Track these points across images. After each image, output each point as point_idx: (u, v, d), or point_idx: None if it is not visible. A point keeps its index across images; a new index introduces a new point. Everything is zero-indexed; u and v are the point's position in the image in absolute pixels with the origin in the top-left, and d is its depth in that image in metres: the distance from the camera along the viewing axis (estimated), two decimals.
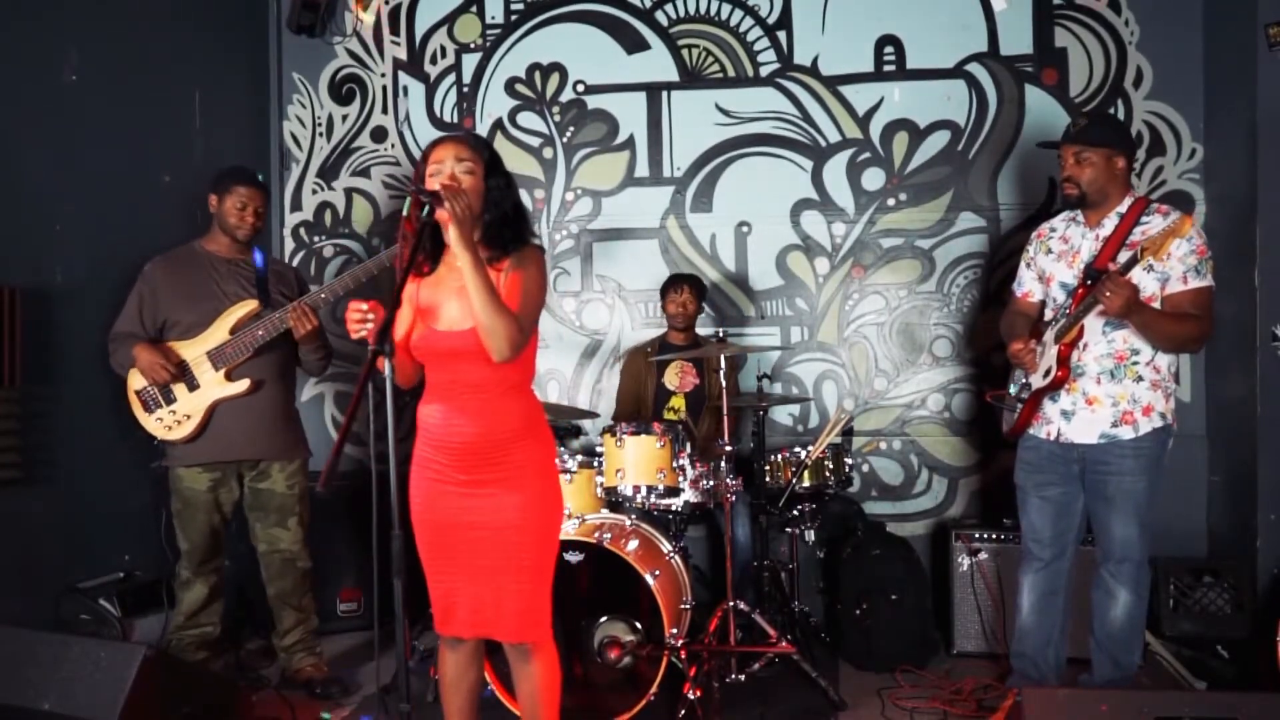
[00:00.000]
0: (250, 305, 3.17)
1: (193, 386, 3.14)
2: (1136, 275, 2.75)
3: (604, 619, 3.08)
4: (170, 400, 3.13)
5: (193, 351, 3.15)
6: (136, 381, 3.15)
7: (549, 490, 2.36)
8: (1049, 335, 2.99)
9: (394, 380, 2.01)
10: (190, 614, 3.26)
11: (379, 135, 4.61)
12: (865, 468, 4.30)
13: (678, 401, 4.09)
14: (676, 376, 4.09)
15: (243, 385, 3.14)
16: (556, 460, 2.44)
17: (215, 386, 3.14)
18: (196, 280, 3.20)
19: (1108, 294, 2.70)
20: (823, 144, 4.33)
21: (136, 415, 3.17)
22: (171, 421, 3.14)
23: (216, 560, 3.29)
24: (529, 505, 2.29)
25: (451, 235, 2.11)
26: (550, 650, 2.38)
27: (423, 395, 2.35)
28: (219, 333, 3.14)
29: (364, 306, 2.10)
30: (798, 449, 3.66)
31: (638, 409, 4.11)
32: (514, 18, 4.52)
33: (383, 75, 4.60)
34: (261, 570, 3.37)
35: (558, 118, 4.50)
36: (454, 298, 2.26)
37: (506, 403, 2.27)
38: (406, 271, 2.13)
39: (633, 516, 3.38)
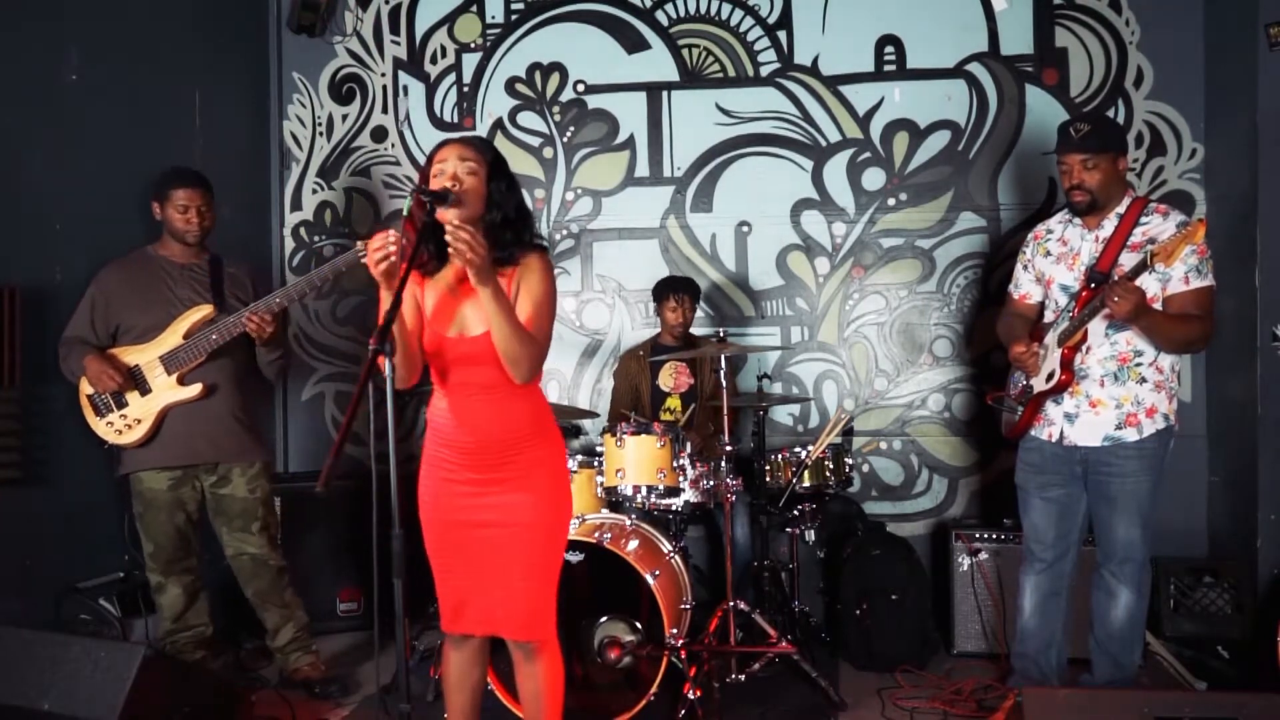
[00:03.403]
0: (205, 310, 3.16)
1: (145, 391, 3.12)
2: (1139, 277, 2.75)
3: (604, 619, 3.08)
4: (122, 405, 3.11)
5: (145, 356, 3.13)
6: (88, 386, 3.12)
7: (559, 490, 2.37)
8: (1051, 338, 2.98)
9: (393, 382, 2.01)
10: (175, 617, 3.24)
11: (379, 135, 4.60)
12: (865, 468, 4.30)
13: (673, 402, 4.09)
14: (671, 377, 4.09)
15: (194, 390, 3.13)
16: (567, 460, 2.46)
17: (167, 391, 3.12)
18: (150, 285, 3.18)
19: (1116, 299, 2.69)
20: (823, 144, 4.33)
21: (88, 420, 3.14)
22: (122, 425, 3.12)
23: (187, 560, 3.26)
24: (539, 504, 2.30)
25: (471, 275, 2.11)
26: (554, 649, 2.39)
27: (432, 394, 2.36)
28: (172, 337, 3.13)
29: (390, 236, 2.06)
30: (798, 449, 3.66)
31: (633, 412, 4.10)
32: (514, 17, 4.52)
33: (383, 75, 4.60)
34: (235, 574, 3.36)
35: (558, 117, 4.50)
36: (461, 302, 2.26)
37: (517, 403, 2.28)
38: (408, 272, 2.13)
39: (633, 516, 3.38)
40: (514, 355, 2.19)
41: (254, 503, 3.28)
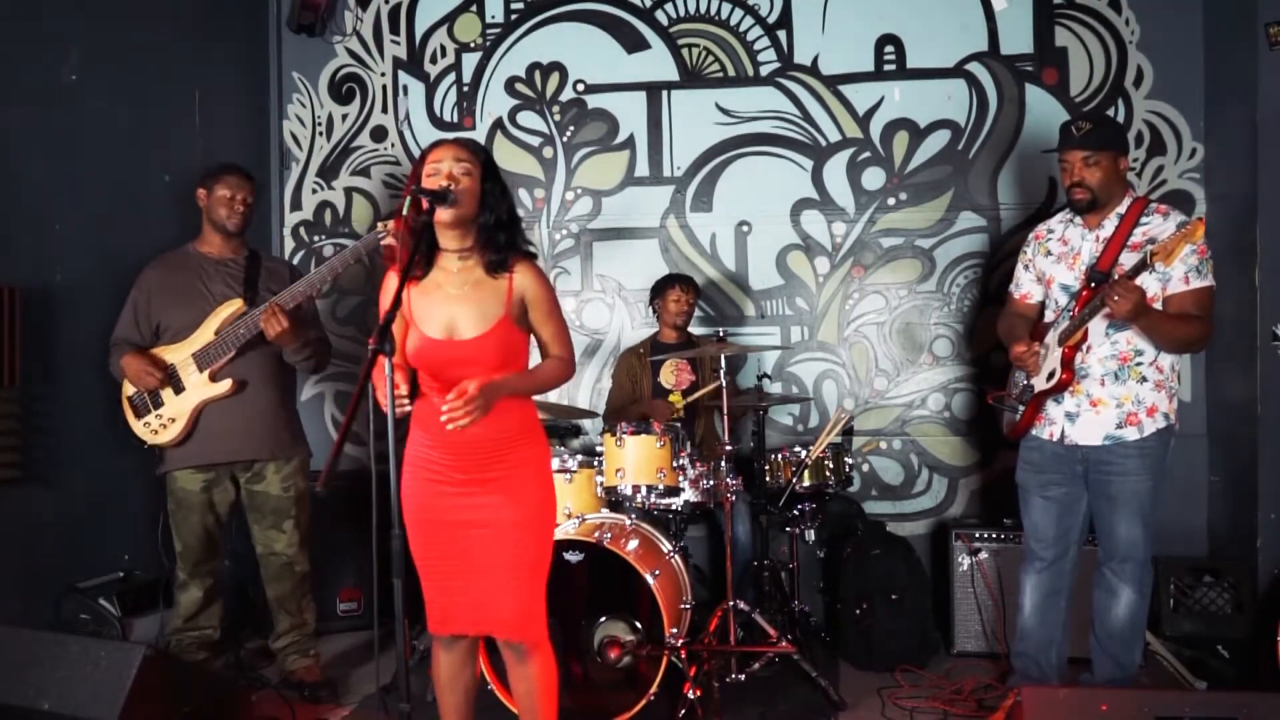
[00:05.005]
0: (235, 305, 3.15)
1: (179, 389, 3.13)
2: (1139, 276, 2.75)
3: (604, 619, 3.08)
4: (158, 404, 3.13)
5: (180, 354, 3.13)
6: (128, 388, 3.15)
7: (545, 490, 2.39)
8: (1051, 338, 2.98)
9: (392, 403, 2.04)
10: (188, 616, 3.25)
11: (379, 135, 4.61)
12: (865, 467, 4.30)
13: (675, 399, 4.08)
14: (672, 375, 4.08)
15: (225, 386, 3.12)
16: (552, 461, 2.47)
17: (200, 388, 3.12)
18: (186, 282, 3.19)
19: (1116, 299, 2.69)
20: (823, 143, 4.33)
21: (129, 421, 3.16)
22: (158, 425, 3.13)
23: (212, 563, 3.27)
24: (526, 504, 2.32)
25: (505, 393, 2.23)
26: (546, 650, 2.39)
27: (418, 394, 2.35)
28: (205, 334, 3.13)
29: (401, 390, 2.16)
30: (798, 449, 3.66)
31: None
32: (514, 17, 4.52)
33: (382, 74, 4.60)
34: (261, 571, 3.37)
35: (558, 117, 4.50)
36: (449, 305, 2.28)
37: (505, 405, 2.28)
38: (406, 273, 2.13)
39: (633, 516, 3.38)
40: (553, 385, 2.39)
41: (287, 501, 3.27)
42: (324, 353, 3.36)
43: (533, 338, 2.40)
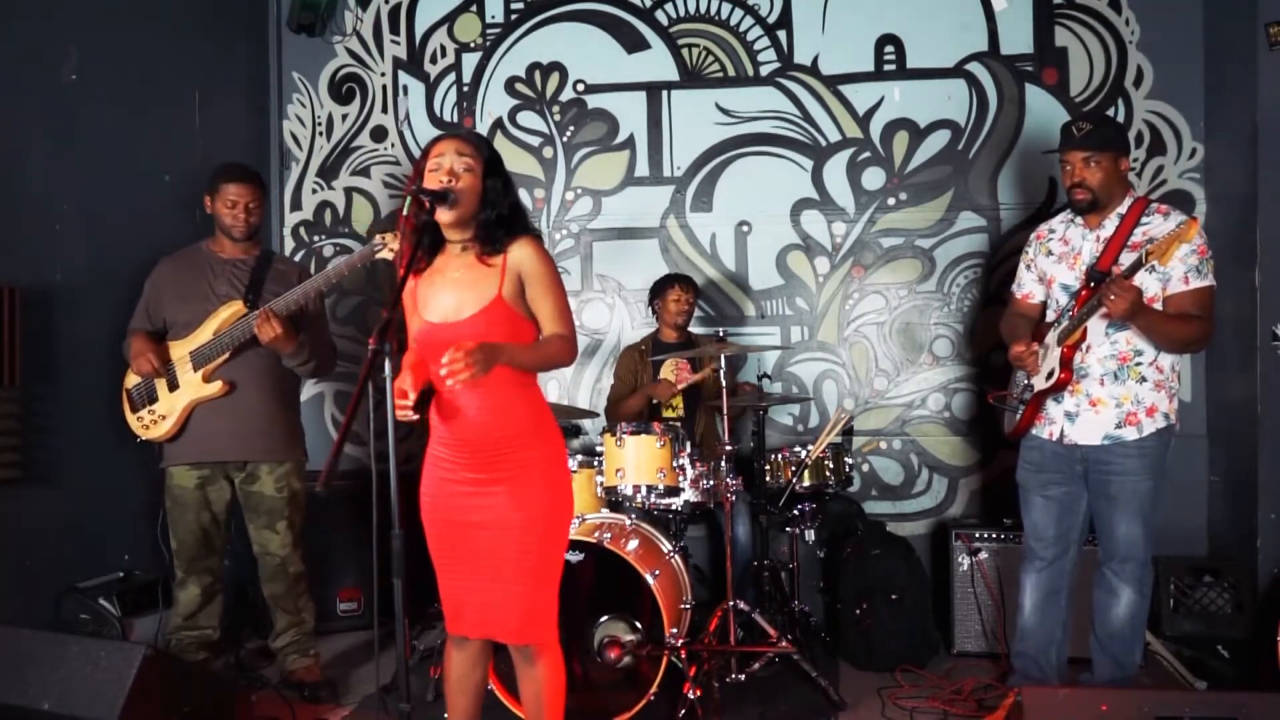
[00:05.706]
0: (235, 306, 3.15)
1: (173, 386, 3.15)
2: (1138, 276, 2.75)
3: (604, 619, 3.07)
4: (153, 399, 3.16)
5: (179, 351, 3.15)
6: (130, 380, 3.19)
7: (556, 490, 2.33)
8: (1051, 337, 2.98)
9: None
10: (187, 615, 3.25)
11: (379, 135, 4.61)
12: (865, 467, 4.30)
13: (676, 398, 4.08)
14: (673, 374, 4.08)
15: (215, 387, 3.13)
16: (567, 461, 2.44)
17: (193, 388, 3.13)
18: (192, 280, 3.20)
19: (1112, 298, 2.69)
20: (823, 143, 4.33)
21: (125, 413, 3.21)
22: (150, 420, 3.16)
23: (209, 560, 3.27)
24: (534, 504, 2.27)
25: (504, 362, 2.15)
26: (555, 652, 2.36)
27: (433, 396, 2.35)
28: (204, 334, 3.14)
29: (409, 396, 2.15)
30: (798, 448, 3.66)
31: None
32: (514, 17, 4.52)
33: (382, 74, 4.60)
34: (259, 570, 3.37)
35: (558, 117, 4.50)
36: (449, 289, 2.26)
37: (511, 398, 2.26)
38: (408, 271, 2.13)
39: (633, 516, 3.38)
40: (555, 363, 2.27)
41: (280, 502, 3.26)
42: (326, 359, 3.35)
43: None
